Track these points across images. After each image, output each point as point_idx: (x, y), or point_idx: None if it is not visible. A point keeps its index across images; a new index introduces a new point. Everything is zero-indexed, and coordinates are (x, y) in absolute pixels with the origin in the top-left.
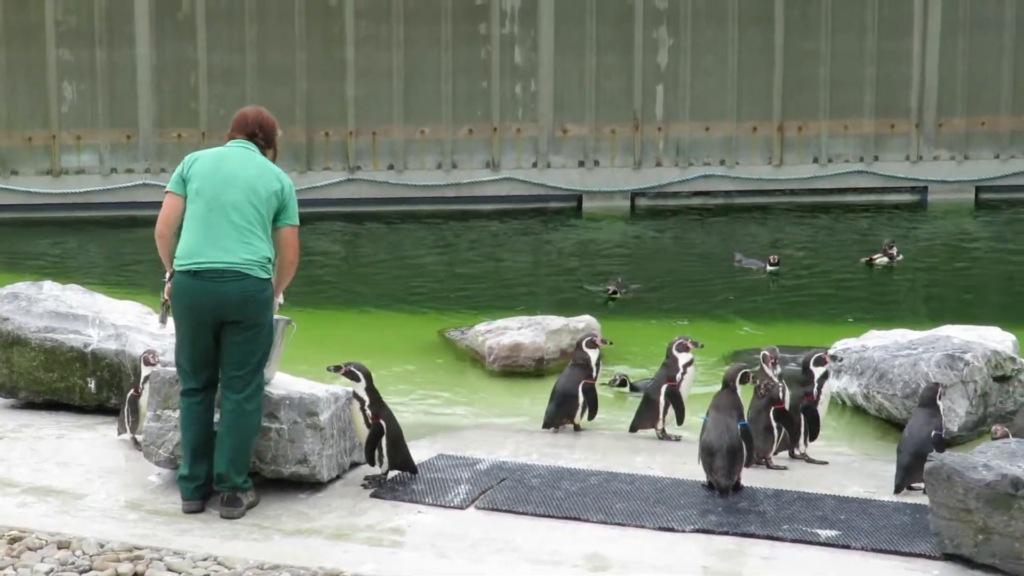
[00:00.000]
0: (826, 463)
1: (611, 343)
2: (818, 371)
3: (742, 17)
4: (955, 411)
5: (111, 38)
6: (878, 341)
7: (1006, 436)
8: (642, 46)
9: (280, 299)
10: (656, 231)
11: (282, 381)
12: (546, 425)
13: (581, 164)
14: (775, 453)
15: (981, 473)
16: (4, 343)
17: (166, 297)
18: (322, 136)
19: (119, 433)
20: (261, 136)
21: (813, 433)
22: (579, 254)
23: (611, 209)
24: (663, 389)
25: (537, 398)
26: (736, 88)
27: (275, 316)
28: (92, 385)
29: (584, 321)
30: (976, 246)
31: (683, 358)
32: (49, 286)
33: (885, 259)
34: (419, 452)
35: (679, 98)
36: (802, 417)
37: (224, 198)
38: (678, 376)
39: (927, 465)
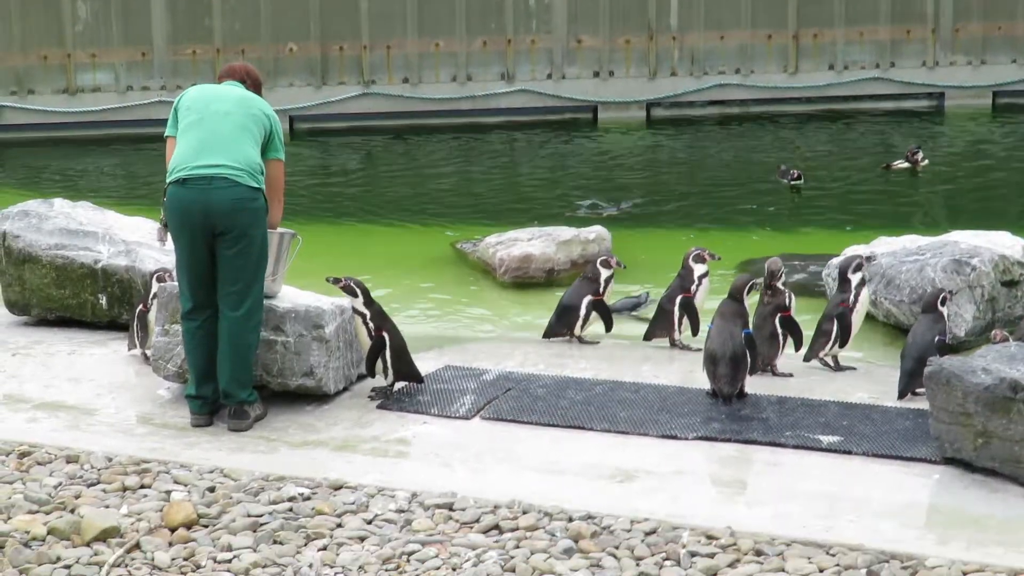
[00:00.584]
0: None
1: (625, 267)
2: (855, 278)
3: None
4: (962, 316)
5: None
6: (886, 247)
7: (1006, 340)
8: None
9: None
10: (671, 141)
11: (288, 294)
12: (546, 335)
13: (596, 75)
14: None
15: (980, 377)
16: (16, 261)
17: (164, 216)
18: (336, 50)
19: (129, 349)
20: (250, 83)
21: (844, 340)
22: (594, 165)
23: (627, 120)
24: (678, 300)
25: (547, 309)
26: None
27: (280, 229)
28: (103, 301)
29: (595, 232)
30: (993, 151)
31: (699, 269)
32: (60, 203)
33: (906, 164)
34: (426, 364)
35: (693, 7)
36: (835, 323)
37: (215, 107)
38: (693, 287)
39: (926, 370)
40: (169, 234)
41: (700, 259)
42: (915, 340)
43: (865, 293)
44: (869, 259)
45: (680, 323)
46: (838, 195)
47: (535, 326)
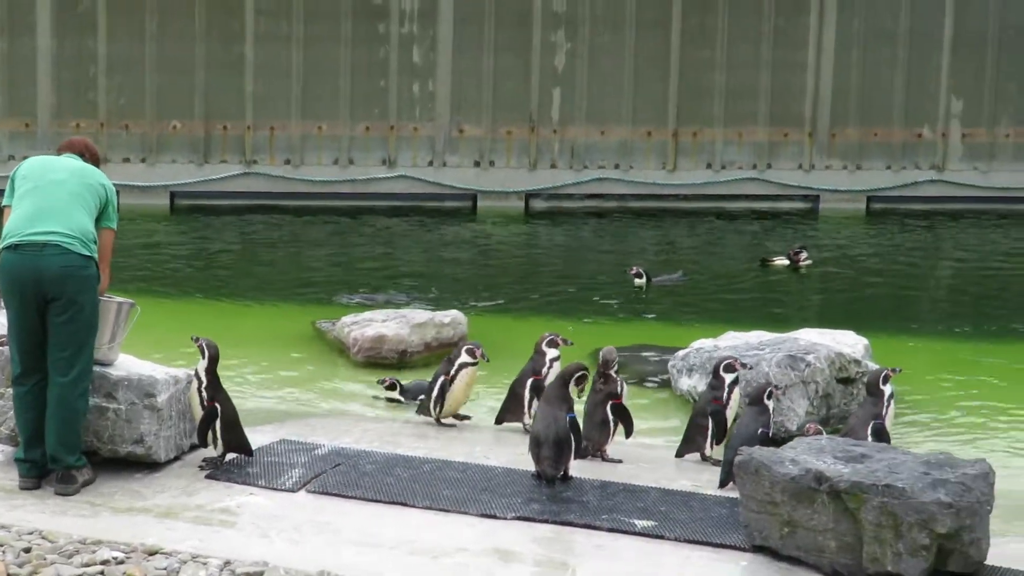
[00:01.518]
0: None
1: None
2: (728, 377)
3: (640, 23)
4: (795, 410)
5: (12, 28)
6: (732, 341)
7: (819, 433)
8: (540, 49)
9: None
10: (548, 233)
11: (124, 362)
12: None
13: (477, 164)
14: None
15: (787, 467)
16: None
17: None
18: (220, 129)
19: None
20: (88, 157)
21: (720, 436)
22: (471, 252)
23: (506, 209)
24: (528, 382)
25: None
26: (632, 93)
27: (119, 299)
28: None
29: (450, 316)
30: (864, 254)
31: (551, 353)
32: None
33: (786, 262)
34: (263, 437)
35: (575, 101)
36: (710, 420)
37: (50, 176)
38: (544, 370)
39: (737, 459)
40: (0, 299)
41: (553, 344)
42: (739, 431)
43: (737, 392)
44: (744, 364)
45: (530, 406)
46: (708, 292)
47: (381, 404)
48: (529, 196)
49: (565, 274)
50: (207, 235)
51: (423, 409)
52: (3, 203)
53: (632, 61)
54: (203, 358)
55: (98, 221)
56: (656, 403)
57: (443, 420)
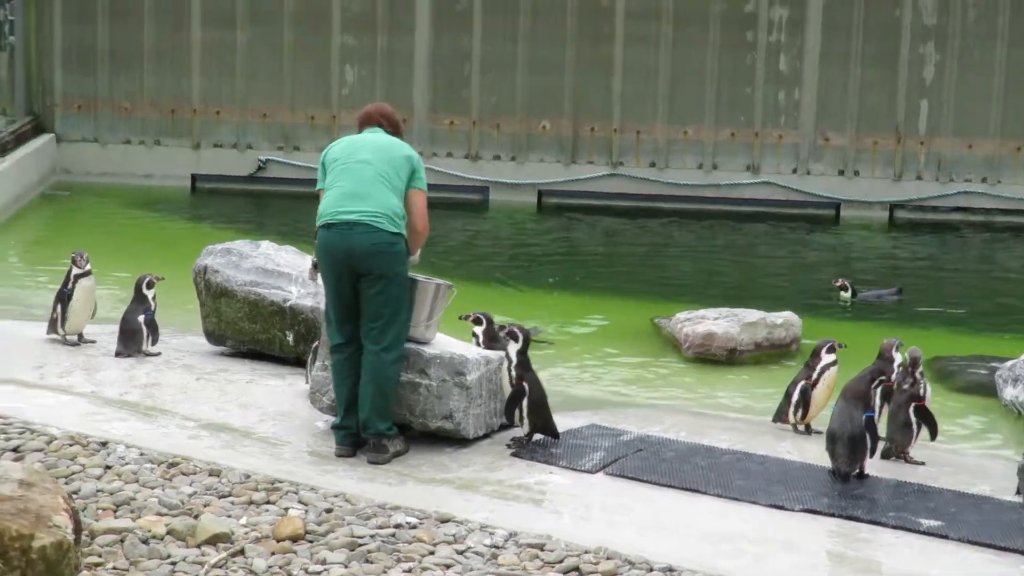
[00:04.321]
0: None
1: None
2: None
3: (1012, 37)
4: None
5: (392, 25)
6: None
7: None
8: (907, 60)
9: (415, 257)
10: (912, 244)
11: (439, 341)
12: (775, 419)
13: (840, 173)
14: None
15: None
16: (214, 294)
17: (315, 256)
18: (587, 130)
19: (307, 383)
20: (387, 123)
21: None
22: (833, 261)
23: (869, 219)
24: (800, 385)
25: (718, 386)
26: (1002, 107)
27: (438, 281)
28: (290, 338)
29: (783, 317)
30: None
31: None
32: (266, 245)
33: None
34: (575, 421)
35: (943, 114)
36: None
37: (357, 156)
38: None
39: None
40: (319, 273)
41: (831, 349)
42: None
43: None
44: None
45: (796, 409)
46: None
47: (703, 399)
48: (893, 207)
49: (920, 285)
50: (570, 233)
51: (778, 416)
52: (317, 187)
53: (1002, 74)
54: (516, 341)
55: (407, 184)
56: (977, 411)
57: (799, 426)
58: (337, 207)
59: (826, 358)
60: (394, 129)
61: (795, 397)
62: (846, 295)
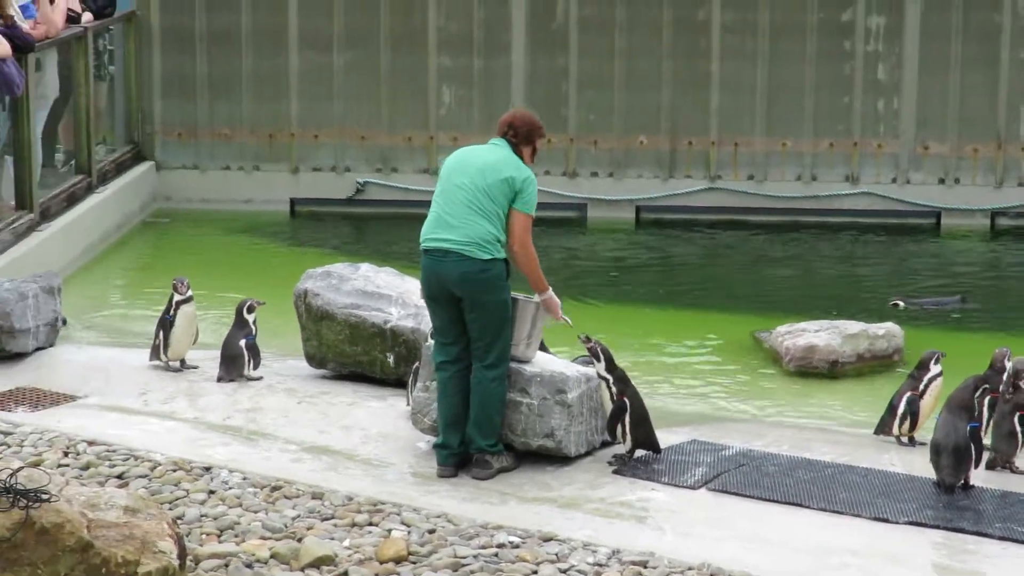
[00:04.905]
0: None
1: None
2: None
3: None
4: None
5: (488, 46)
6: None
7: None
8: (1008, 65)
9: (545, 295)
10: (1017, 251)
11: (539, 360)
12: (877, 431)
13: (941, 181)
14: None
15: None
16: (314, 317)
17: None
18: (685, 144)
19: (408, 404)
20: (512, 133)
21: None
22: (935, 270)
23: (970, 227)
24: (905, 397)
25: (820, 398)
26: None
27: (535, 298)
28: (391, 359)
29: (885, 328)
30: None
31: (934, 370)
32: (366, 267)
33: None
34: (676, 437)
35: None
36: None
37: (454, 180)
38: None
39: None
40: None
41: (937, 360)
42: None
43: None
44: None
45: (902, 421)
46: None
47: (805, 413)
48: (995, 214)
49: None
50: (669, 248)
51: (881, 427)
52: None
53: None
54: (599, 360)
55: (511, 203)
56: None
57: (903, 438)
58: (430, 233)
59: (934, 369)
60: (522, 139)
61: (901, 408)
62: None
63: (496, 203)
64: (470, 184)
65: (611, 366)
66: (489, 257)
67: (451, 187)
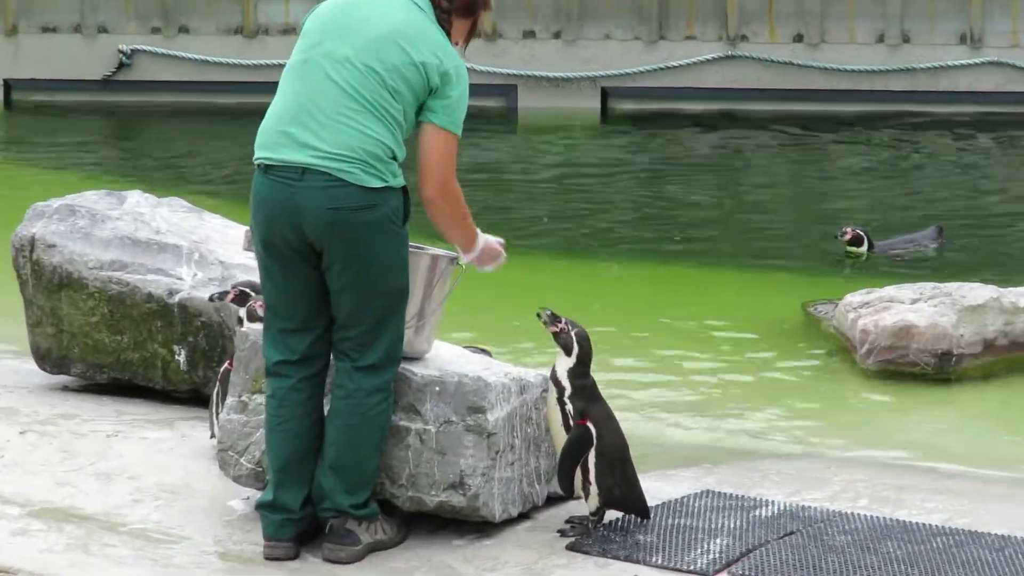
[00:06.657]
0: None
1: None
2: None
3: None
4: None
5: None
6: None
7: None
8: None
9: (471, 255)
10: None
11: (439, 356)
12: None
13: None
14: None
15: None
16: (48, 285)
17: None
18: None
19: (212, 435)
20: None
21: None
22: None
23: None
24: None
25: (921, 417)
26: None
27: (435, 250)
28: (182, 357)
29: None
30: None
31: None
32: (134, 198)
33: None
34: (676, 486)
35: None
36: None
37: (327, 48)
38: None
39: None
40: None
41: None
42: None
43: None
44: None
45: None
46: None
47: (894, 444)
48: None
49: None
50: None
51: None
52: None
53: None
54: (568, 354)
55: (417, 115)
56: None
57: None
58: (278, 138)
59: None
60: (456, 4)
61: None
62: (859, 249)
63: (398, 98)
64: (356, 59)
65: (582, 368)
66: (380, 185)
67: (322, 58)
